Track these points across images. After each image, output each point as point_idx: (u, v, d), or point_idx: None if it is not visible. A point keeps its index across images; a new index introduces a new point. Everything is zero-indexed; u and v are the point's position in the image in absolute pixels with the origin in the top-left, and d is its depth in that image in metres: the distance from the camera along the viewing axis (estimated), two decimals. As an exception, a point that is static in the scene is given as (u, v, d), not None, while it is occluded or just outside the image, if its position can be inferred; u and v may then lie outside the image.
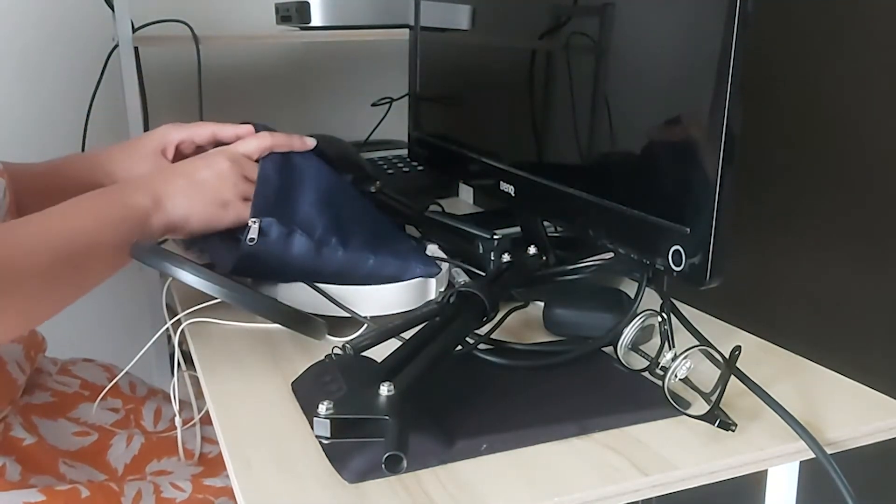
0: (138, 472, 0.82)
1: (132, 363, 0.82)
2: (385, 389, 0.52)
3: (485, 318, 0.68)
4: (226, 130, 0.89)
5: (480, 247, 0.83)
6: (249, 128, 0.88)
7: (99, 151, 0.91)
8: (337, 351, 0.62)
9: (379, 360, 0.59)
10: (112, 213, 0.71)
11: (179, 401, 0.79)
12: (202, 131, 0.90)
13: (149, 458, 0.84)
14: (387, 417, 0.50)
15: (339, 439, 0.50)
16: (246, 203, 0.76)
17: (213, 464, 0.85)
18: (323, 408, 0.50)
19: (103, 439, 0.83)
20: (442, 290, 0.81)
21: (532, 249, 0.81)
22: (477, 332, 0.70)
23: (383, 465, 0.47)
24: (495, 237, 0.82)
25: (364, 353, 0.62)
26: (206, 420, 0.85)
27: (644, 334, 0.68)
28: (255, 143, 0.82)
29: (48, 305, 0.66)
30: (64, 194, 0.75)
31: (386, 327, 0.65)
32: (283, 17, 1.33)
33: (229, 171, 0.77)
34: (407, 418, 0.50)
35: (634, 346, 0.67)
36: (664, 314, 0.67)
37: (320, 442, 0.56)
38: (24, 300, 0.63)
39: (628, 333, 0.66)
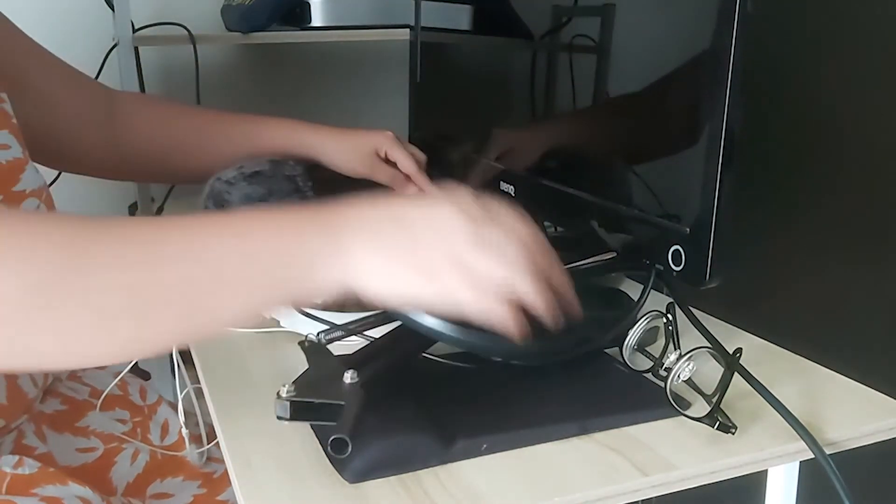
0: (139, 492, 0.80)
1: (127, 368, 0.81)
2: (349, 377, 0.53)
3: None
4: (418, 180, 0.88)
5: None
6: None
7: (297, 122, 0.94)
8: (311, 338, 0.63)
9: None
10: (268, 255, 0.51)
11: (185, 412, 0.78)
12: (407, 164, 0.89)
13: (152, 477, 0.82)
14: (342, 403, 0.51)
15: (298, 420, 0.51)
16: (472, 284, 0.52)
17: (216, 484, 0.83)
18: (284, 390, 0.51)
19: (108, 455, 0.81)
20: None
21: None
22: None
23: (329, 447, 0.49)
24: None
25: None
26: (213, 436, 0.84)
27: (650, 335, 0.68)
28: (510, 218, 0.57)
29: (104, 342, 0.48)
30: (225, 144, 0.79)
31: (359, 323, 0.66)
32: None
33: (462, 229, 0.53)
34: (366, 407, 0.52)
35: (640, 347, 0.67)
36: (669, 315, 0.67)
37: (321, 442, 0.56)
38: (72, 326, 0.46)
39: (634, 334, 0.66)
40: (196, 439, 0.85)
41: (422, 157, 0.96)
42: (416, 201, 0.55)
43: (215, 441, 0.83)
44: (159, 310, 0.48)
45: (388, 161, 0.95)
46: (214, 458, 0.85)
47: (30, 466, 0.71)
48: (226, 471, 0.83)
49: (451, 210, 0.53)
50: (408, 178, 0.95)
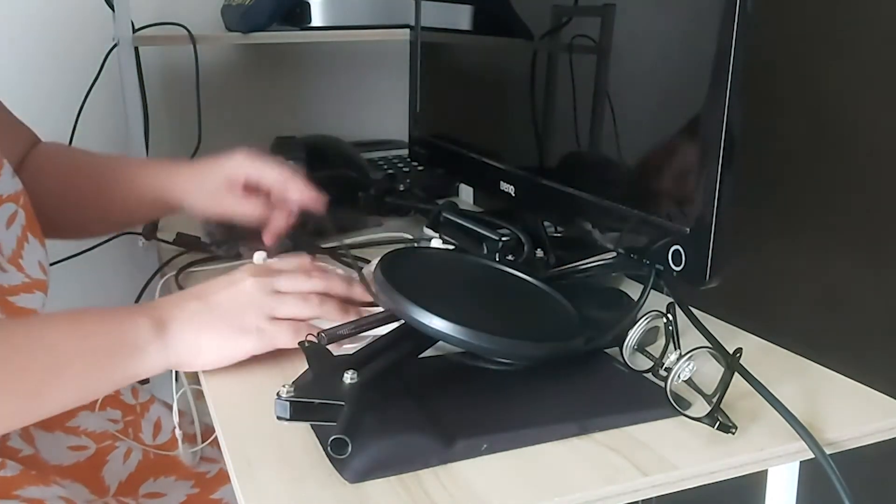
0: (132, 491, 0.80)
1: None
2: (349, 377, 0.53)
3: None
4: (293, 187, 0.83)
5: (486, 248, 0.82)
6: (315, 199, 0.84)
7: (164, 164, 0.88)
8: (311, 338, 0.63)
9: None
10: (99, 338, 0.62)
11: (179, 411, 0.77)
12: (273, 175, 0.83)
13: (144, 476, 0.82)
14: (342, 403, 0.51)
15: (298, 420, 0.52)
16: (274, 323, 0.66)
17: (209, 483, 0.83)
18: (284, 390, 0.51)
19: (100, 454, 0.81)
20: None
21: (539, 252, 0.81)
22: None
23: (329, 447, 0.49)
24: (503, 238, 0.82)
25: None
26: (207, 436, 0.84)
27: (650, 335, 0.68)
28: (294, 264, 0.71)
29: None
30: (113, 194, 0.79)
31: (362, 321, 0.66)
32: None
33: (253, 290, 0.66)
34: (366, 407, 0.52)
35: (640, 347, 0.67)
36: (669, 315, 0.67)
37: (321, 441, 0.56)
38: None
39: (634, 334, 0.66)
40: (189, 439, 0.84)
41: (287, 171, 0.86)
42: (217, 280, 0.68)
43: (209, 441, 0.83)
44: (5, 393, 0.57)
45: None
46: (208, 458, 0.85)
47: (12, 469, 0.71)
48: (219, 471, 0.84)
49: (244, 277, 0.67)
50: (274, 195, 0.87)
